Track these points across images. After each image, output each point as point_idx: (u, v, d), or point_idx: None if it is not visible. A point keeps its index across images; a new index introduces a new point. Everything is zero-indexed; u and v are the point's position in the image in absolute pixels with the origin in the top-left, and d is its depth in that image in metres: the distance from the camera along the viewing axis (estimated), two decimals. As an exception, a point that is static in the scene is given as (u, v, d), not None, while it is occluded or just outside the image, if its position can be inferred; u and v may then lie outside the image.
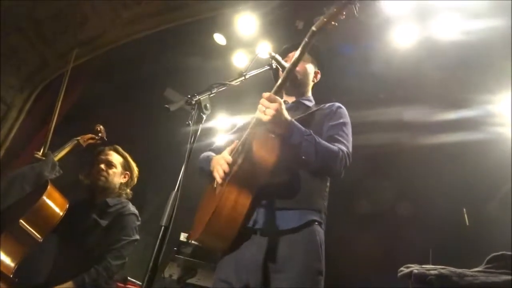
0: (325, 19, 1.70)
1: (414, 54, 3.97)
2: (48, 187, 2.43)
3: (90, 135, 3.01)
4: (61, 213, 2.42)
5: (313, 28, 1.71)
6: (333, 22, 1.70)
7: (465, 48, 3.71)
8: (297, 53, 1.76)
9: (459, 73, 3.97)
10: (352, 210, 4.69)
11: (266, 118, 1.64)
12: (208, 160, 1.88)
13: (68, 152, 2.81)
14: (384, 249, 4.27)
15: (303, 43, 1.74)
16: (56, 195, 2.47)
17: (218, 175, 1.72)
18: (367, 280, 4.10)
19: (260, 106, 1.68)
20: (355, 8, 1.69)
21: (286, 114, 1.69)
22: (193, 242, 3.32)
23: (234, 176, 1.66)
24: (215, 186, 1.79)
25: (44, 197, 2.38)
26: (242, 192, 1.65)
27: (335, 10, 1.69)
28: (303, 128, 1.71)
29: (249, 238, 1.67)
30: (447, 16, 3.68)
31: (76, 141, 2.89)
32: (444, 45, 3.80)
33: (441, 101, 4.27)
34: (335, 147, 1.75)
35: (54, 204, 2.43)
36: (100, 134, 3.08)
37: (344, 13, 1.69)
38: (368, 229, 4.59)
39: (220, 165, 1.73)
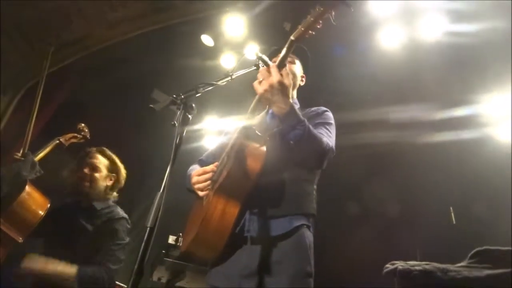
0: (302, 29, 1.69)
1: (403, 55, 4.01)
2: (27, 186, 2.40)
3: (71, 134, 2.97)
4: (41, 213, 2.39)
5: (292, 37, 1.70)
6: (310, 31, 1.69)
7: (455, 49, 3.77)
8: (277, 63, 1.73)
9: (448, 73, 4.04)
10: (341, 210, 4.71)
11: (259, 90, 1.65)
12: (189, 178, 1.89)
13: (49, 152, 2.77)
14: (372, 248, 4.29)
15: (282, 52, 1.72)
16: (36, 194, 2.44)
17: (200, 191, 1.76)
18: (356, 279, 4.12)
19: (258, 75, 1.68)
20: (332, 16, 1.67)
21: (283, 94, 1.64)
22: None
23: (221, 186, 1.66)
24: (203, 197, 1.79)
25: (22, 197, 2.35)
26: (230, 201, 1.64)
27: (311, 19, 1.67)
28: (299, 116, 1.68)
29: (239, 246, 1.68)
30: (436, 18, 3.73)
31: (57, 141, 2.86)
32: (433, 46, 3.85)
33: (430, 102, 4.33)
34: (323, 137, 1.76)
35: (34, 203, 2.40)
36: (82, 133, 3.04)
37: (320, 22, 1.68)
38: (357, 228, 4.62)
39: (198, 182, 1.78)
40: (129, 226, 2.67)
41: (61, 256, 2.41)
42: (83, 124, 3.06)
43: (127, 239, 2.61)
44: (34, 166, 2.57)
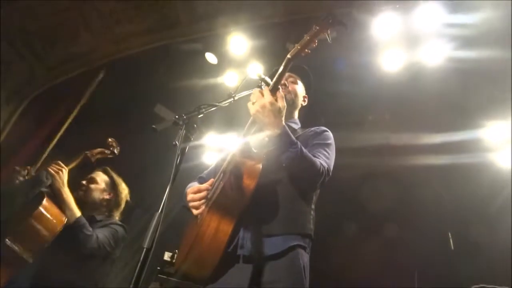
0: (298, 47, 1.72)
1: (406, 78, 4.05)
2: (44, 200, 2.32)
3: (100, 149, 2.85)
4: (58, 228, 2.29)
5: (288, 56, 1.73)
6: (306, 50, 1.72)
7: (457, 74, 3.80)
8: (274, 81, 1.76)
9: (449, 98, 4.05)
10: (339, 232, 4.68)
11: (251, 111, 1.69)
12: (186, 196, 1.88)
13: (76, 166, 2.71)
14: (371, 269, 4.25)
15: (279, 71, 1.74)
16: (54, 209, 2.35)
17: (194, 209, 1.76)
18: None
19: (251, 96, 1.73)
20: (328, 35, 1.70)
21: (275, 115, 1.66)
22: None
23: (215, 203, 1.65)
24: (198, 216, 1.78)
25: (39, 212, 2.26)
26: (224, 218, 1.62)
27: (307, 38, 1.70)
28: (292, 138, 1.69)
29: (232, 265, 1.65)
30: (438, 43, 3.78)
31: (84, 155, 2.77)
32: (435, 71, 3.88)
33: (431, 125, 4.35)
34: (317, 160, 1.75)
35: (50, 218, 2.30)
36: (111, 148, 2.90)
37: (316, 41, 1.71)
38: (355, 249, 4.58)
39: (193, 200, 1.77)
40: (126, 235, 2.71)
41: (60, 259, 2.43)
42: (111, 139, 2.92)
43: (121, 246, 2.67)
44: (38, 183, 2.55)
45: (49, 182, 2.53)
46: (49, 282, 2.37)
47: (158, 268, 3.32)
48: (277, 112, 1.66)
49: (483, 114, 4.09)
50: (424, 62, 3.91)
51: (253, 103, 1.70)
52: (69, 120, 2.84)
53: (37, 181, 2.57)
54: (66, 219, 2.37)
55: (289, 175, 1.75)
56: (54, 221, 2.31)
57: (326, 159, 1.83)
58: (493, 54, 3.44)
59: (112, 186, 2.83)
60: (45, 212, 2.29)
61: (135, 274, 1.28)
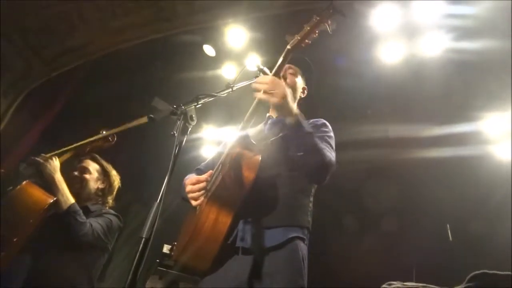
0: (298, 37, 1.71)
1: (405, 70, 4.03)
2: (24, 183, 2.33)
3: (93, 140, 2.71)
4: (41, 206, 2.28)
5: (288, 46, 1.72)
6: (306, 40, 1.71)
7: (456, 66, 3.79)
8: (273, 71, 1.75)
9: (449, 90, 4.04)
10: (337, 226, 4.69)
11: (274, 99, 1.60)
12: (184, 187, 1.87)
13: (70, 157, 2.63)
14: (370, 262, 4.26)
15: (279, 61, 1.74)
16: (35, 190, 2.35)
17: (193, 200, 1.74)
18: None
19: (259, 86, 1.64)
20: (329, 26, 1.70)
21: (293, 101, 1.69)
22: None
23: (214, 194, 1.64)
24: (197, 207, 1.77)
25: (15, 192, 2.28)
26: (223, 210, 1.61)
27: (308, 29, 1.70)
28: (309, 127, 1.70)
29: (231, 257, 1.65)
30: (438, 35, 3.76)
31: (78, 146, 2.66)
32: (434, 63, 3.86)
33: (430, 118, 4.34)
34: (327, 152, 1.74)
35: (30, 196, 2.31)
36: (110, 138, 2.74)
37: (317, 31, 1.71)
38: (355, 242, 4.60)
39: (192, 191, 1.75)
40: (121, 224, 2.67)
41: (54, 252, 2.40)
42: (106, 130, 2.79)
43: (115, 236, 2.64)
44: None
45: (29, 172, 2.47)
46: (45, 279, 2.33)
47: (157, 260, 3.32)
48: (293, 98, 1.67)
49: (482, 106, 4.08)
50: (424, 54, 3.89)
51: (268, 93, 1.63)
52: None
53: (16, 174, 2.51)
54: (54, 200, 2.34)
55: (297, 168, 1.73)
56: (36, 199, 2.31)
57: (331, 151, 1.81)
58: (493, 46, 3.43)
59: (105, 174, 2.77)
60: (23, 192, 2.31)
61: (134, 264, 1.27)
